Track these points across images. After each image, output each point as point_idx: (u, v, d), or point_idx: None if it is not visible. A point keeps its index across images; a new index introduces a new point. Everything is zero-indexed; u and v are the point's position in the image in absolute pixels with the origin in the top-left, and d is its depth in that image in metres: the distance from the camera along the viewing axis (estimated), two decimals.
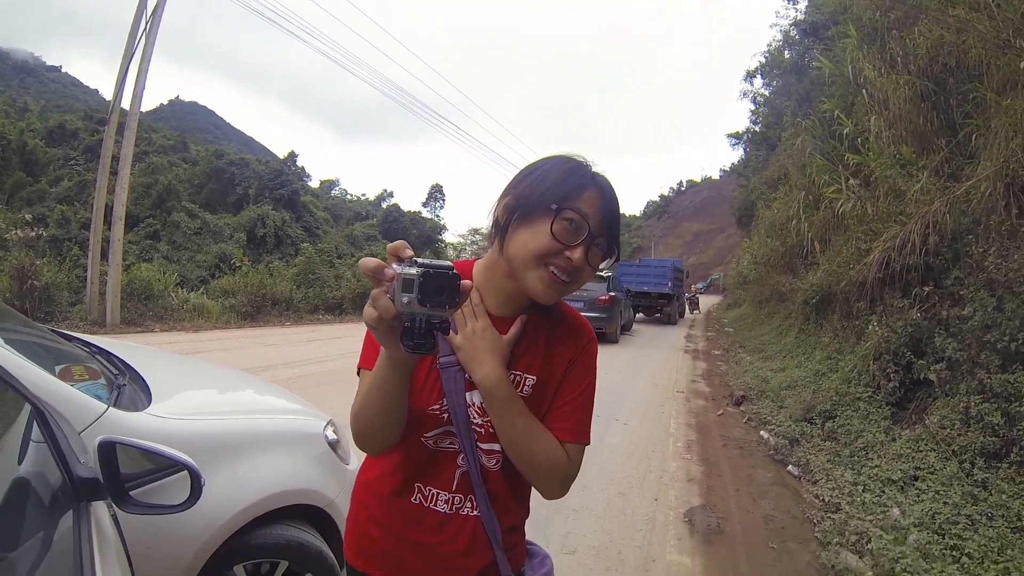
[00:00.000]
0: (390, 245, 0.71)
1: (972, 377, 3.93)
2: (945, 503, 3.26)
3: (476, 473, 0.95)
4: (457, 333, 0.93)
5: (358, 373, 0.96)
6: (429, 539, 0.97)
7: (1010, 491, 3.11)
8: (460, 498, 0.97)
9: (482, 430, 0.95)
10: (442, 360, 0.93)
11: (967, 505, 3.17)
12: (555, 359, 1.00)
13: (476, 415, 0.94)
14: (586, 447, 1.03)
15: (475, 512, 0.97)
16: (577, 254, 0.88)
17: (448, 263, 0.69)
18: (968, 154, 5.33)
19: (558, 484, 0.98)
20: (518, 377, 0.97)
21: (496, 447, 0.95)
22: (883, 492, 3.69)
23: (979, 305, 4.05)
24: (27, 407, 1.02)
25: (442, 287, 0.67)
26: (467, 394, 0.94)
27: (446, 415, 0.93)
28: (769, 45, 21.44)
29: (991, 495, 3.18)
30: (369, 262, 0.70)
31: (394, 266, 0.69)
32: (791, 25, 19.06)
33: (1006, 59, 4.38)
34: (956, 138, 5.58)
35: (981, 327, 3.96)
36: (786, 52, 19.35)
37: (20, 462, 0.92)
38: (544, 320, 1.01)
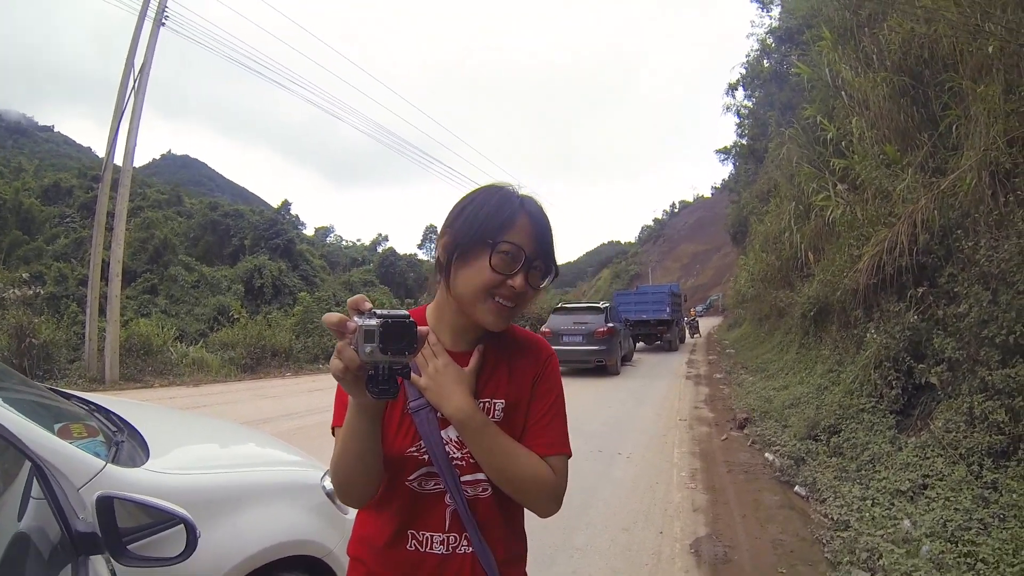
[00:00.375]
0: (350, 300, 0.79)
1: (973, 376, 3.99)
2: (956, 509, 3.28)
3: (464, 509, 1.01)
4: (420, 375, 1.00)
5: (332, 433, 1.02)
6: None
7: (1020, 490, 3.13)
8: (455, 537, 1.02)
9: (463, 462, 1.01)
10: (412, 405, 1.01)
11: (978, 509, 3.19)
12: (519, 379, 1.08)
13: (454, 450, 1.01)
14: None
15: (471, 549, 1.01)
16: (518, 281, 0.98)
17: (405, 312, 0.78)
18: (951, 146, 5.51)
19: (548, 499, 1.03)
20: (487, 404, 1.04)
21: (481, 476, 1.02)
22: (892, 504, 3.71)
23: (974, 300, 4.13)
24: (27, 464, 1.11)
25: (401, 335, 0.75)
26: (442, 432, 1.01)
27: (425, 456, 1.00)
28: (747, 55, 22.22)
29: (1002, 496, 3.20)
30: (331, 317, 0.79)
31: (355, 319, 0.77)
32: (767, 33, 19.84)
33: (977, 44, 4.57)
34: (938, 131, 5.76)
35: (978, 323, 4.04)
36: (764, 61, 20.05)
37: (20, 518, 1.00)
38: (501, 345, 1.10)
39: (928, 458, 3.93)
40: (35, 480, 1.14)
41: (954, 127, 5.37)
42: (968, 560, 2.86)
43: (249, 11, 17.13)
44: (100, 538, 1.11)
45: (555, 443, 1.06)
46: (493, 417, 1.03)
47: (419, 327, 0.78)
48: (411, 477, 1.01)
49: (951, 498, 3.40)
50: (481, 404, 1.03)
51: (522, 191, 1.05)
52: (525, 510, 1.11)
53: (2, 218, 35.20)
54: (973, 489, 3.35)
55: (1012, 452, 3.41)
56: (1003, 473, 3.35)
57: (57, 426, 1.69)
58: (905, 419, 4.80)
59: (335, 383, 0.95)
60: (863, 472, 4.36)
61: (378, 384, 0.78)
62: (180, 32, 11.74)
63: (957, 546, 2.99)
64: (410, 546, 1.02)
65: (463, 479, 1.02)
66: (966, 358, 4.15)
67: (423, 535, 1.02)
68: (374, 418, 0.90)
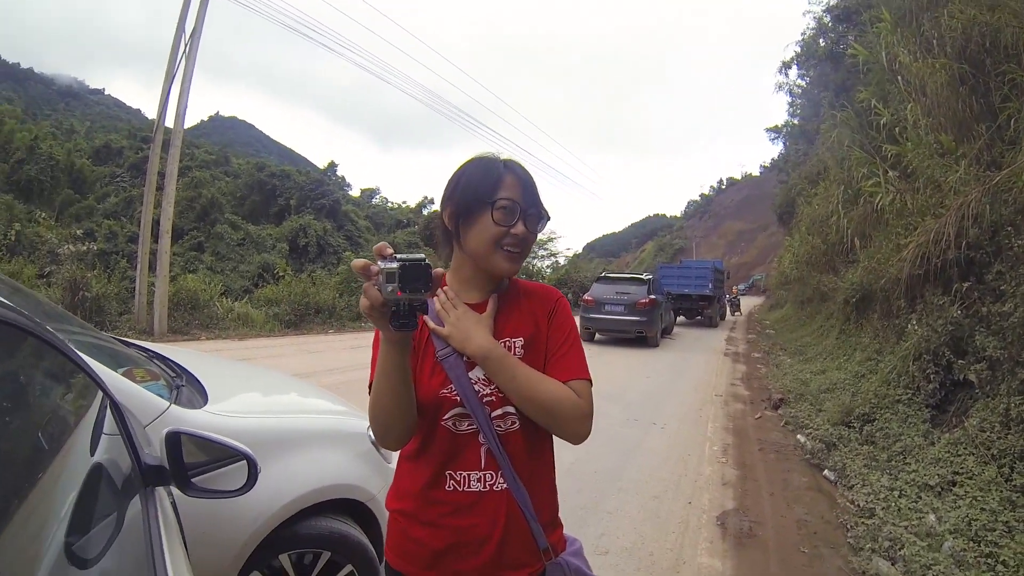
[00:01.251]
0: (375, 246, 0.92)
1: (1013, 377, 3.90)
2: (982, 509, 3.27)
3: (496, 444, 1.09)
4: (438, 322, 1.14)
5: (370, 390, 1.10)
6: (467, 522, 1.09)
7: None
8: (491, 474, 1.10)
9: (492, 397, 1.11)
10: (439, 353, 1.12)
11: (1005, 511, 3.18)
12: (533, 318, 1.19)
13: (483, 387, 1.12)
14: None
15: (505, 485, 1.11)
16: (519, 228, 1.11)
17: (422, 256, 0.87)
18: (1008, 140, 5.24)
19: (576, 422, 1.11)
20: (508, 343, 1.15)
21: (509, 409, 1.11)
22: (919, 498, 3.71)
23: (1021, 300, 4.02)
24: (97, 402, 1.16)
25: (418, 275, 0.86)
26: (469, 374, 1.12)
27: (457, 396, 1.09)
28: (803, 34, 21.10)
29: None
30: (358, 262, 0.90)
31: (379, 263, 0.88)
32: (824, 11, 18.79)
33: None
34: (996, 123, 5.49)
35: (1022, 324, 3.94)
36: (820, 40, 19.04)
37: (93, 452, 1.06)
38: (514, 293, 1.22)
39: (959, 455, 3.89)
40: (108, 414, 1.17)
41: (1013, 120, 5.12)
42: (989, 561, 2.87)
43: None
44: (167, 471, 1.18)
45: (574, 367, 1.15)
46: (515, 353, 1.12)
47: (435, 269, 0.87)
48: (446, 416, 1.09)
49: (979, 498, 3.38)
50: (502, 343, 1.12)
51: (503, 156, 1.18)
52: (555, 447, 1.21)
53: (55, 178, 36.35)
54: (1002, 491, 3.33)
55: None
56: None
57: (121, 370, 1.74)
58: (940, 414, 4.73)
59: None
60: (893, 463, 4.34)
61: (400, 319, 0.88)
62: None
63: (980, 545, 3.00)
64: (448, 487, 1.10)
65: (493, 415, 1.10)
66: (1007, 358, 4.05)
67: (460, 475, 1.10)
68: (403, 351, 0.98)
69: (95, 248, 14.45)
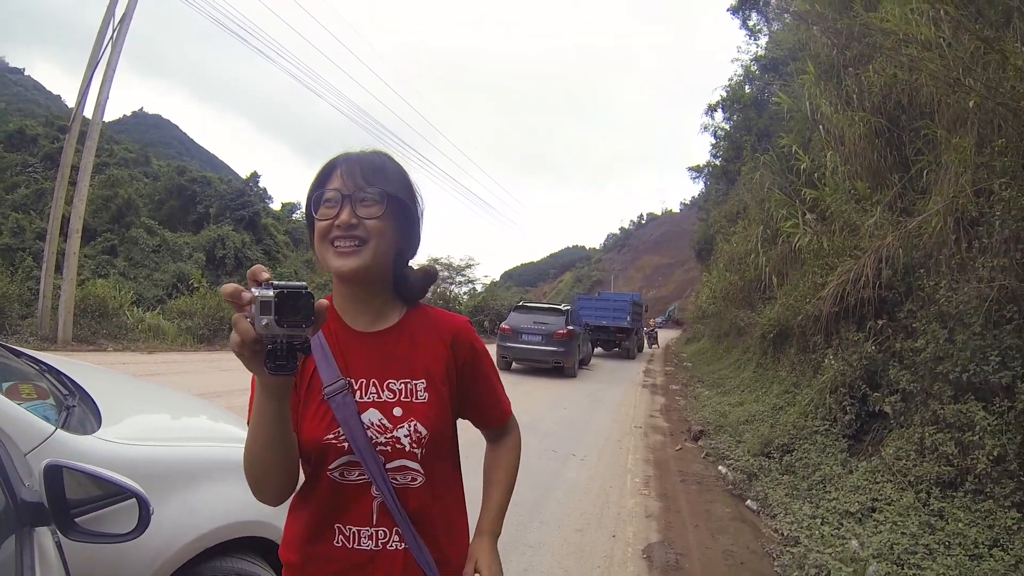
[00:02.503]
0: (250, 269, 0.74)
1: (926, 408, 4.16)
2: (903, 533, 3.42)
3: (391, 499, 0.95)
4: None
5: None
6: None
7: (966, 519, 3.29)
8: (384, 532, 0.97)
9: (388, 447, 0.96)
10: (327, 390, 0.96)
11: (924, 535, 3.33)
12: (440, 353, 1.06)
13: (377, 434, 0.96)
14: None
15: (403, 545, 0.97)
16: (343, 216, 0.95)
17: (303, 283, 0.73)
18: (920, 189, 5.73)
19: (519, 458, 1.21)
20: (408, 384, 1.00)
21: (411, 464, 0.98)
22: (841, 524, 3.84)
23: (931, 337, 4.31)
24: None
25: (298, 307, 0.71)
26: (362, 416, 0.96)
27: (345, 444, 0.95)
28: (730, 79, 22.56)
29: (948, 524, 3.35)
30: (227, 287, 0.74)
31: (252, 290, 0.72)
32: (752, 60, 20.23)
33: (956, 97, 4.76)
34: (908, 174, 5.99)
35: (934, 359, 4.22)
36: (746, 87, 20.44)
37: None
38: (416, 321, 1.08)
39: (878, 483, 4.08)
40: None
41: (925, 172, 5.59)
42: None
43: None
44: (47, 509, 1.04)
45: (502, 408, 1.15)
46: (416, 398, 1.00)
47: (318, 301, 0.74)
48: (332, 466, 0.96)
49: (899, 522, 3.54)
50: (401, 384, 1.00)
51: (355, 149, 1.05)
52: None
53: None
54: (920, 516, 3.51)
55: (959, 483, 3.57)
56: (950, 502, 3.51)
57: (5, 385, 1.63)
58: (857, 444, 4.98)
59: None
60: (814, 491, 4.50)
61: (275, 359, 0.73)
62: None
63: (903, 569, 3.12)
64: (337, 542, 0.97)
65: (389, 466, 0.96)
66: (920, 391, 4.33)
67: (350, 530, 0.97)
68: (281, 399, 0.83)
69: None
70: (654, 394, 11.85)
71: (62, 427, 1.54)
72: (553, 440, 6.63)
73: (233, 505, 1.82)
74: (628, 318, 20.79)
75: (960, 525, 3.27)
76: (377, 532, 0.97)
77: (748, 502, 4.77)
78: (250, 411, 0.94)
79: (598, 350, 20.76)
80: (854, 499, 4.04)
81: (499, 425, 1.16)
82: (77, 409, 1.77)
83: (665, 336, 36.85)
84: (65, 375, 2.08)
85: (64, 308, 10.28)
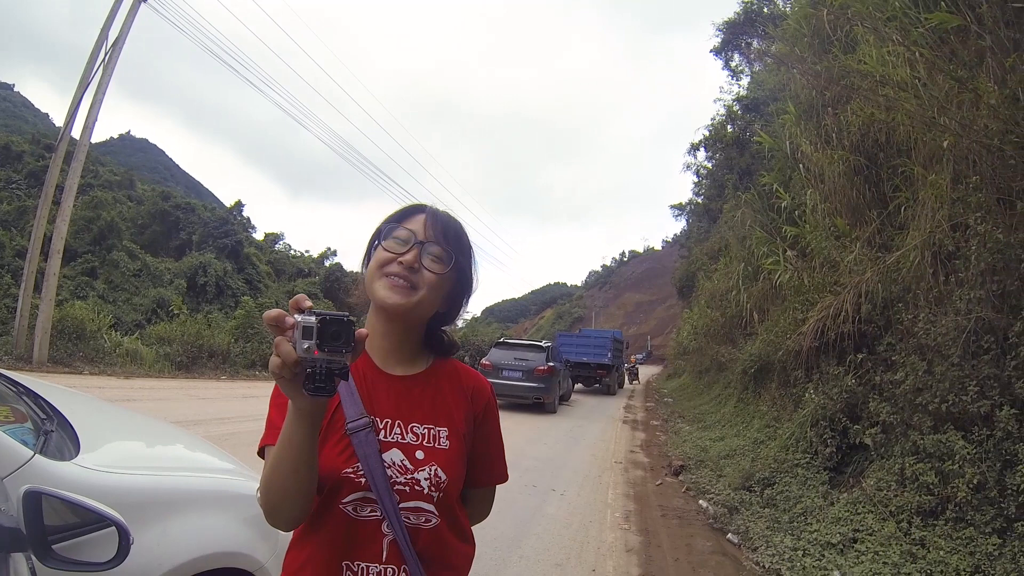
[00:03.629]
0: (292, 299, 0.79)
1: (906, 439, 4.23)
2: (885, 563, 3.43)
3: (403, 538, 0.97)
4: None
5: (260, 455, 1.00)
6: None
7: (947, 547, 3.32)
8: (393, 569, 0.98)
9: (406, 488, 0.99)
10: (350, 425, 0.98)
11: (906, 564, 3.35)
12: (463, 409, 1.11)
13: (397, 474, 0.99)
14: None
15: None
16: (408, 256, 1.02)
17: (344, 312, 0.79)
18: (898, 225, 5.92)
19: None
20: (431, 430, 1.04)
21: (426, 506, 1.00)
22: (823, 556, 3.84)
23: (910, 369, 4.40)
24: None
25: (339, 333, 0.77)
26: (384, 455, 0.98)
27: (363, 480, 0.97)
28: (713, 119, 23.26)
29: (929, 552, 3.38)
30: (271, 313, 0.78)
31: (295, 316, 0.78)
32: (734, 100, 20.94)
33: (931, 135, 4.98)
34: (887, 210, 6.20)
35: (913, 390, 4.30)
36: (729, 127, 21.08)
37: None
38: (446, 372, 1.14)
39: (859, 514, 4.10)
40: None
41: (902, 208, 5.78)
42: None
43: (234, 4, 16.93)
44: (24, 535, 1.02)
45: (499, 471, 1.20)
46: (438, 444, 1.03)
47: (358, 330, 0.79)
48: (346, 500, 0.98)
49: (880, 552, 3.56)
50: (425, 429, 1.04)
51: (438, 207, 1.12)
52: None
53: None
54: (902, 545, 3.53)
55: (940, 512, 3.61)
56: (931, 531, 3.53)
57: None
58: (838, 476, 5.01)
59: (270, 391, 0.94)
60: (795, 524, 4.50)
61: (315, 381, 0.78)
62: (160, 12, 11.44)
63: None
64: None
65: (403, 505, 0.98)
66: (900, 422, 4.40)
67: (358, 566, 0.98)
68: (313, 424, 0.86)
69: None
70: (634, 430, 11.84)
71: (40, 452, 1.52)
72: (533, 475, 6.57)
73: (210, 535, 1.83)
74: (609, 355, 20.93)
75: (942, 553, 3.30)
76: (386, 570, 0.98)
77: (729, 536, 4.75)
78: (265, 436, 0.99)
79: (579, 386, 20.78)
80: (836, 530, 4.05)
81: (498, 483, 1.20)
82: (55, 434, 1.75)
83: (646, 372, 36.99)
84: (43, 398, 2.04)
85: (41, 328, 10.24)
